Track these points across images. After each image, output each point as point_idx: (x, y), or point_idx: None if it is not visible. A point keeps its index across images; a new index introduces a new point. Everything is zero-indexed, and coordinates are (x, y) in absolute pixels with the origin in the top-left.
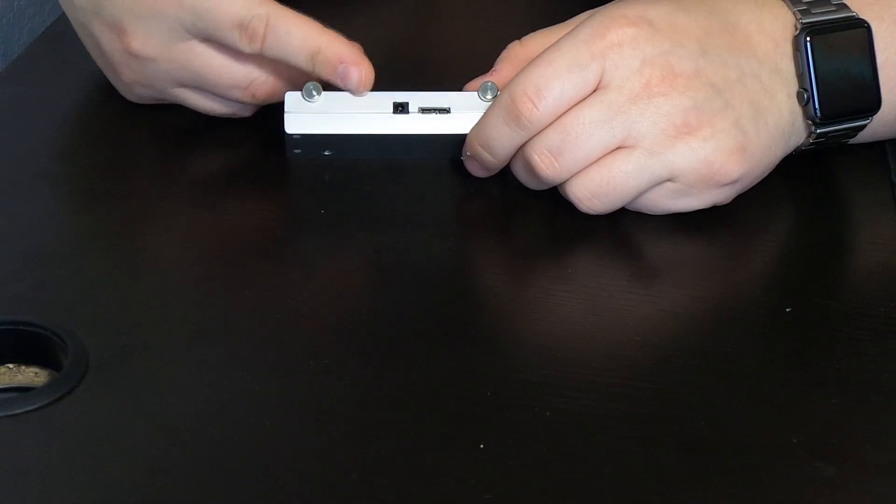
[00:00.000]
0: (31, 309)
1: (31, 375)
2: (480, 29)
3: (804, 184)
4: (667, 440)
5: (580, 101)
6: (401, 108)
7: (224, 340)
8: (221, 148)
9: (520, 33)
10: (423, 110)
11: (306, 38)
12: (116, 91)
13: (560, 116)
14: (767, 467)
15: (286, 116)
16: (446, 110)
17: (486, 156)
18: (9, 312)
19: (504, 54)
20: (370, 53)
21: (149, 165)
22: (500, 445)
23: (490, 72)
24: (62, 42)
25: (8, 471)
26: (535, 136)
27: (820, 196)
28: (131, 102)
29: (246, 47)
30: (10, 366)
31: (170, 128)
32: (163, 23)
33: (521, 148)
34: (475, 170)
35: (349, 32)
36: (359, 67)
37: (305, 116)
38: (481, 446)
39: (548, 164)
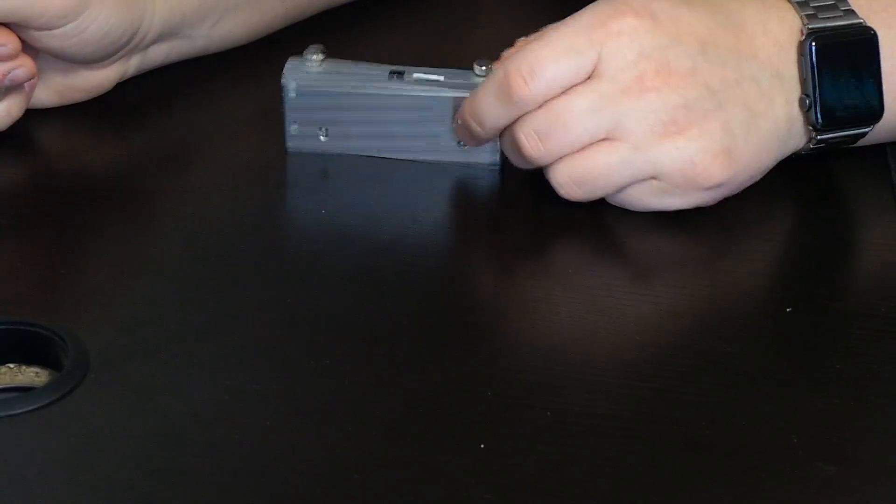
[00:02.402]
0: (32, 309)
1: (31, 375)
2: (485, 31)
3: (804, 184)
4: (667, 440)
5: (573, 87)
6: (397, 75)
7: (224, 340)
8: (222, 148)
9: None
10: (418, 81)
11: None
12: (116, 91)
13: (551, 100)
14: (767, 467)
15: (284, 73)
16: (439, 81)
17: (475, 126)
18: (9, 312)
19: (509, 50)
20: (379, 54)
21: (149, 165)
22: (500, 445)
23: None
24: None
25: (8, 471)
26: (524, 115)
27: (820, 196)
28: (131, 102)
29: None
30: (11, 366)
31: (170, 128)
32: None
33: (510, 125)
34: (464, 137)
35: (356, 33)
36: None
37: (302, 74)
38: (481, 446)
39: (533, 145)
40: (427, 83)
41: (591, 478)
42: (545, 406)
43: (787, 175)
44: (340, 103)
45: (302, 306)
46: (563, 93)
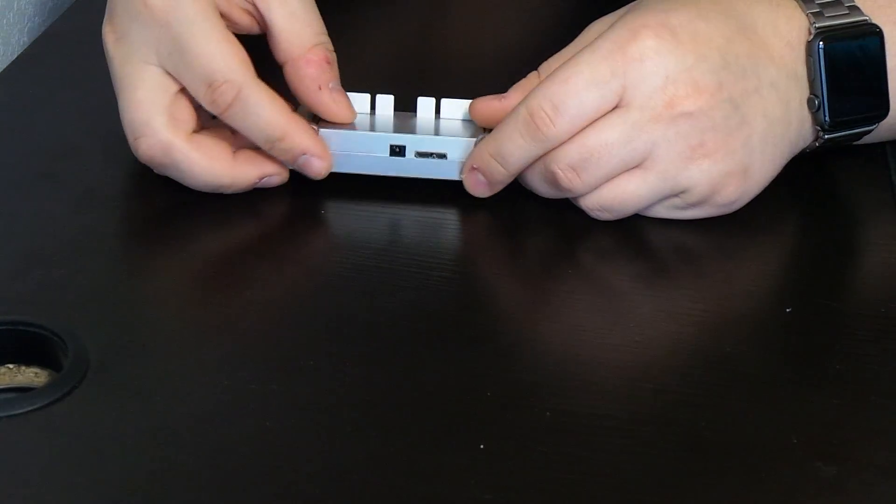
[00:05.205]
0: (32, 309)
1: (31, 376)
2: (487, 27)
3: (805, 184)
4: (667, 440)
5: (602, 118)
6: (398, 150)
7: (224, 340)
8: None
9: (526, 32)
10: (420, 154)
11: (272, 121)
12: (112, 94)
13: (581, 133)
14: (767, 467)
15: None
16: (443, 156)
17: (497, 167)
18: (9, 312)
19: (520, 83)
20: (378, 50)
21: (147, 165)
22: (500, 445)
23: (501, 97)
24: (62, 42)
25: (8, 471)
26: (555, 149)
27: (820, 196)
28: None
29: (206, 105)
30: (11, 366)
31: None
32: (142, 34)
33: (538, 159)
34: (476, 187)
35: (355, 28)
36: (320, 160)
37: None
38: (481, 446)
39: (571, 178)
40: (431, 159)
41: (590, 478)
42: (545, 406)
43: (787, 175)
44: (342, 174)
45: (302, 306)
46: (592, 125)
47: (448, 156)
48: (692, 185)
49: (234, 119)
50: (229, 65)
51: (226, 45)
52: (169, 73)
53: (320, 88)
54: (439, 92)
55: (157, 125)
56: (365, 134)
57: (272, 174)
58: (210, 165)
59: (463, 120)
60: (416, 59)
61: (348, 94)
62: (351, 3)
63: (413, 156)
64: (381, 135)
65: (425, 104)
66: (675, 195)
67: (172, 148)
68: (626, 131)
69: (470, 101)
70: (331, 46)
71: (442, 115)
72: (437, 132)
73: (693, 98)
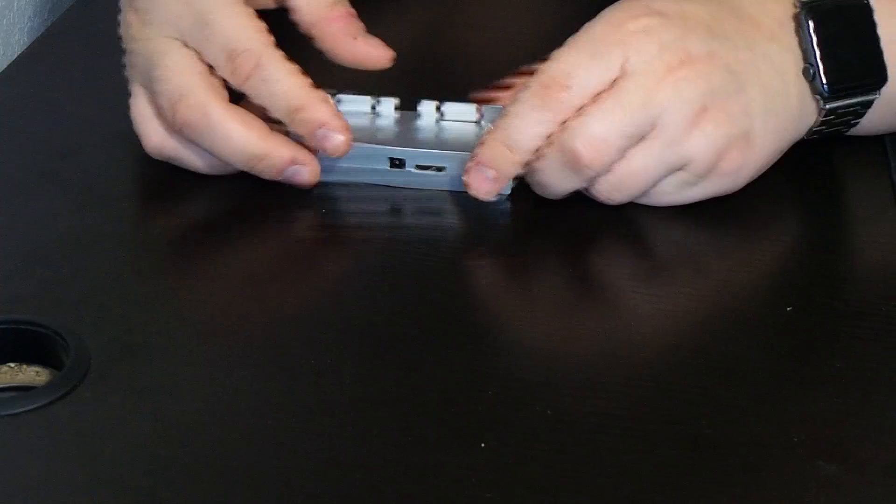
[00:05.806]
0: (32, 308)
1: (32, 375)
2: (495, 27)
3: (805, 181)
4: (667, 439)
5: (611, 86)
6: (397, 163)
7: (224, 340)
8: None
9: (532, 32)
10: (420, 167)
11: (291, 90)
12: (116, 91)
13: (592, 102)
14: (768, 466)
15: None
16: (442, 169)
17: (507, 154)
18: (9, 312)
19: (514, 79)
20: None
21: (149, 165)
22: (501, 445)
23: (496, 92)
24: (62, 42)
25: (8, 470)
26: (571, 124)
27: (821, 194)
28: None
29: (227, 76)
30: (12, 365)
31: None
32: (163, 12)
33: (551, 152)
34: (482, 185)
35: (367, 27)
36: (339, 134)
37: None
38: (482, 446)
39: (595, 149)
40: (429, 172)
41: (591, 477)
42: (545, 406)
43: (787, 174)
44: (341, 183)
45: (302, 305)
46: (604, 93)
47: (448, 168)
48: (697, 153)
49: (253, 89)
50: (249, 35)
51: (245, 18)
52: (192, 48)
53: (355, 38)
54: (444, 91)
55: (196, 87)
56: (365, 147)
57: (304, 162)
58: (247, 134)
59: (465, 122)
60: (421, 59)
61: (352, 95)
62: (357, 3)
63: (413, 168)
64: (380, 148)
65: (427, 107)
66: (682, 168)
67: (211, 110)
68: (640, 93)
69: (471, 103)
70: (348, 3)
71: (445, 116)
72: (438, 138)
73: (688, 64)
